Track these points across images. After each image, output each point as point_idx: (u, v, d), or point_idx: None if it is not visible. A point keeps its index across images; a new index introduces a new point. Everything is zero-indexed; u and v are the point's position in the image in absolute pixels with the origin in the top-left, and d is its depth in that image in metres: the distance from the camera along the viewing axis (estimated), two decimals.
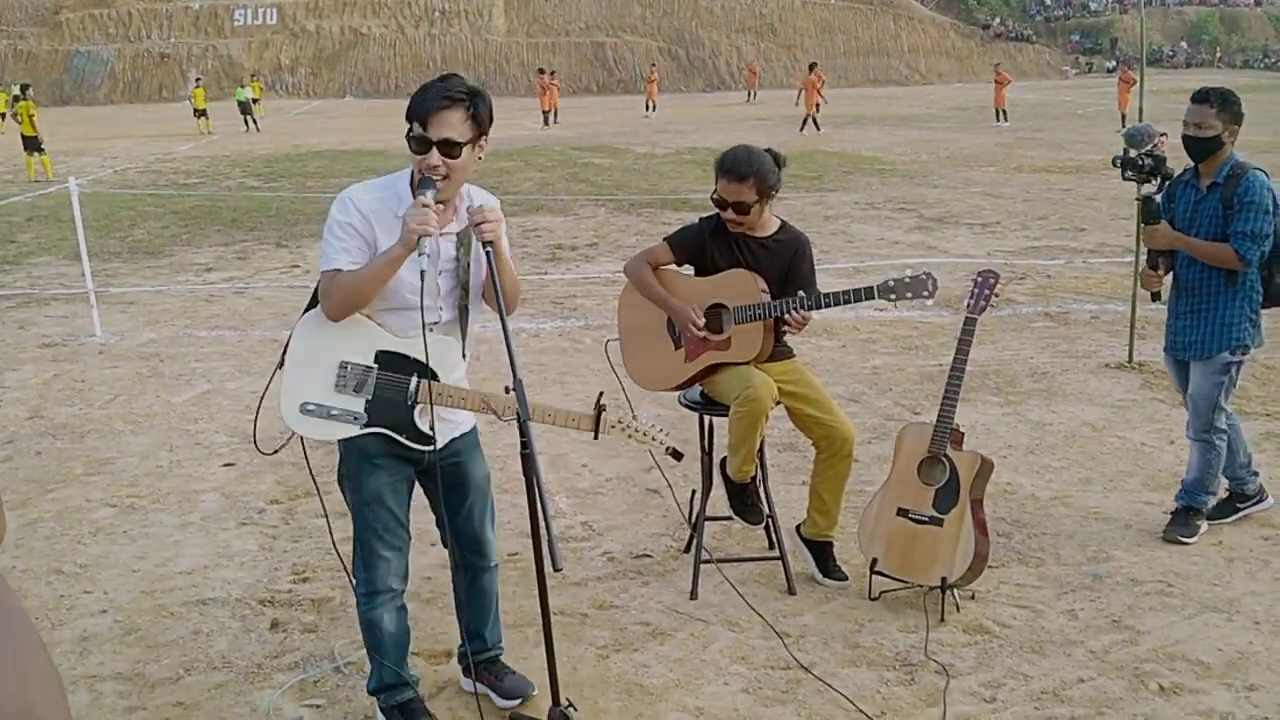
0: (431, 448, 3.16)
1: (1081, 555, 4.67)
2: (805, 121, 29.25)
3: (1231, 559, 4.59)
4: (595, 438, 3.19)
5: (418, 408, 3.14)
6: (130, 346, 8.57)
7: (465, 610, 3.64)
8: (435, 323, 3.17)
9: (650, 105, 39.46)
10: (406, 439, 3.16)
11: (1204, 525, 4.82)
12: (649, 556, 4.80)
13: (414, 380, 3.12)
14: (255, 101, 37.72)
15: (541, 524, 2.81)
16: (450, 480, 3.37)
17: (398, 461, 3.25)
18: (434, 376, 3.13)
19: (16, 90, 26.92)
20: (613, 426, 3.14)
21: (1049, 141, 24.21)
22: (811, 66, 31.59)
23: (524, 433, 2.80)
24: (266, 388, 3.35)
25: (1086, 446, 5.96)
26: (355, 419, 3.15)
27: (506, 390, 2.99)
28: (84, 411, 6.96)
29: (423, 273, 2.92)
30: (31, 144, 21.57)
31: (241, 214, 16.04)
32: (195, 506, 5.43)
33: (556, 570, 2.69)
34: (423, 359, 3.10)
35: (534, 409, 3.09)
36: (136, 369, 7.91)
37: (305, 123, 39.20)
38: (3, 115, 37.03)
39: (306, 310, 3.23)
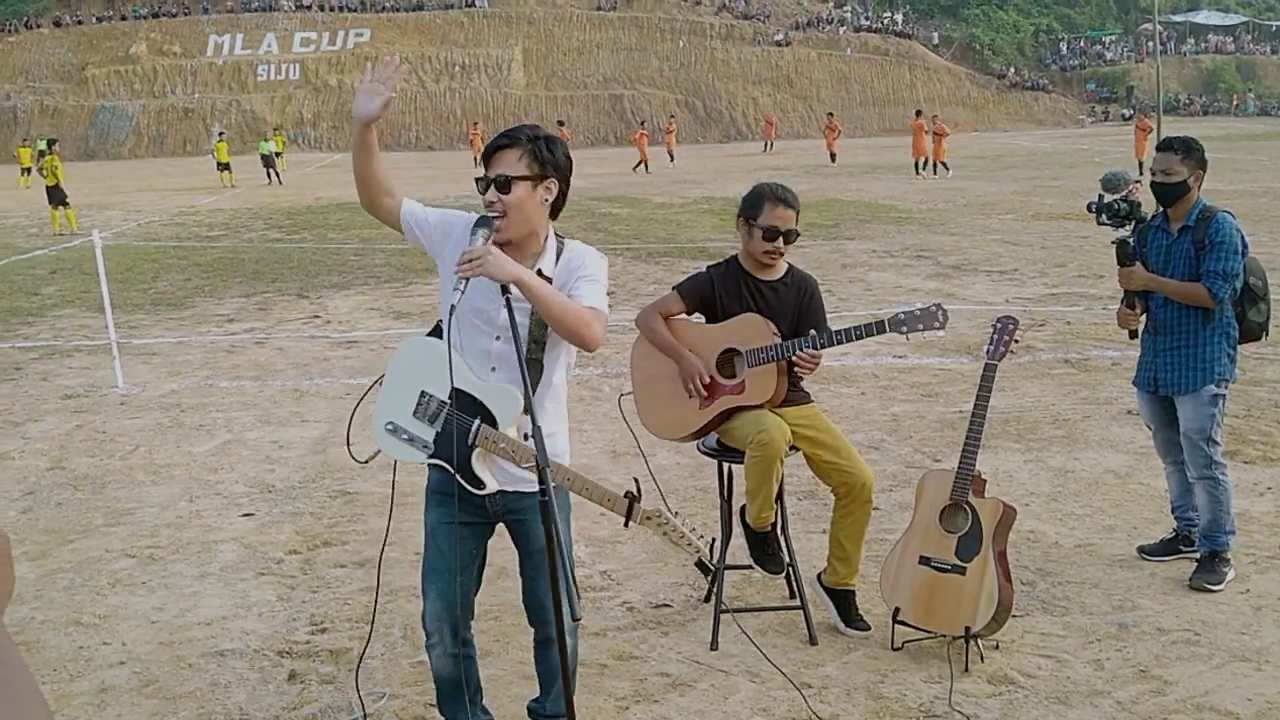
0: (484, 492, 3.18)
1: (1107, 604, 4.61)
2: (926, 164, 30.05)
3: (1260, 607, 4.52)
4: (625, 525, 3.11)
5: (476, 450, 3.15)
6: (152, 397, 8.62)
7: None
8: (494, 369, 3.18)
9: (669, 156, 39.80)
10: (462, 478, 3.17)
11: (1231, 571, 4.76)
12: (669, 606, 4.76)
13: (477, 423, 3.13)
14: (278, 155, 38.22)
15: (560, 573, 2.79)
16: (515, 539, 3.38)
17: (463, 505, 3.25)
18: (493, 421, 3.12)
19: (43, 145, 27.40)
20: (648, 518, 3.06)
21: (1066, 189, 24.22)
22: (918, 113, 32.70)
23: (542, 480, 2.78)
24: (360, 399, 3.46)
25: (1110, 494, 5.90)
26: (424, 447, 3.20)
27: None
28: (105, 462, 6.99)
29: (452, 307, 2.96)
30: (56, 197, 21.86)
31: (263, 266, 16.18)
32: (214, 557, 5.43)
33: (575, 620, 2.66)
34: (489, 408, 3.11)
35: (572, 480, 3.11)
36: (158, 420, 7.95)
37: (327, 176, 39.60)
38: (28, 170, 37.58)
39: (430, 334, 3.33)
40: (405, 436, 3.22)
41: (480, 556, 3.43)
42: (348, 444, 3.37)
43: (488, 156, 3.14)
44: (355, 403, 3.51)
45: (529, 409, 2.88)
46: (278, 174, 36.23)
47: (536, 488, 3.19)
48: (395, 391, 3.27)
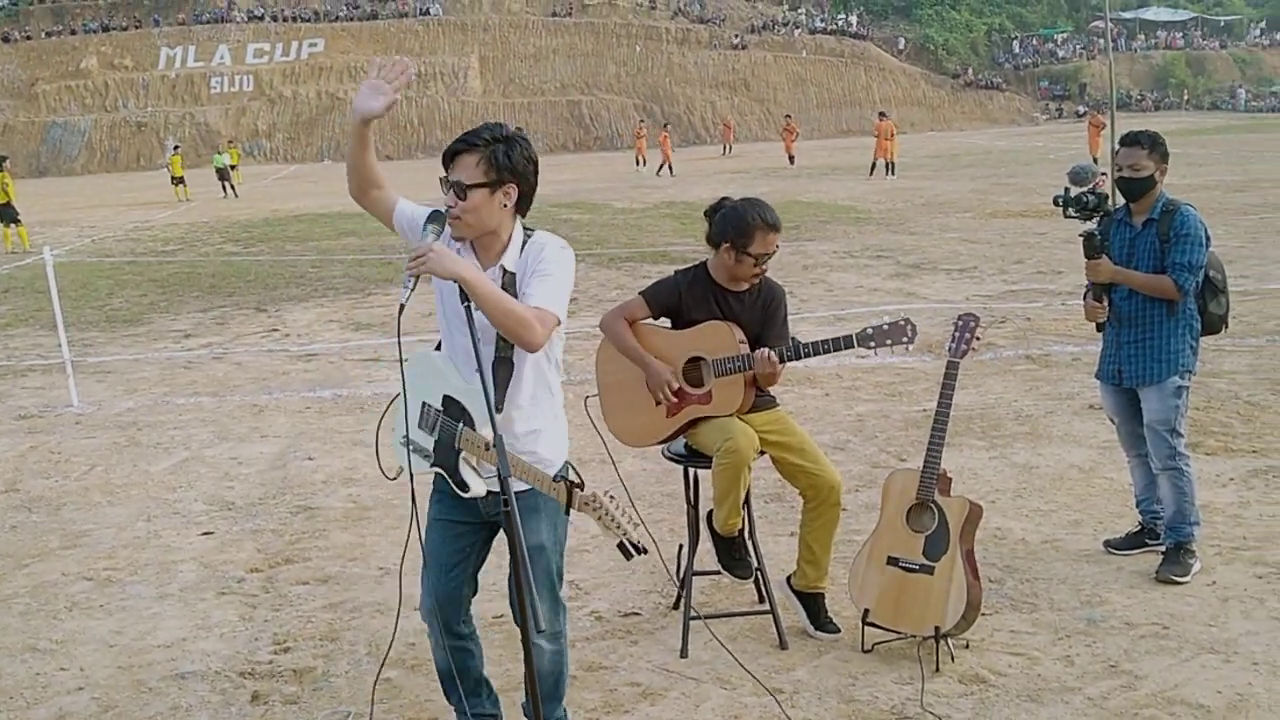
0: (469, 495, 3.18)
1: (1075, 599, 4.62)
2: (875, 166, 30.21)
3: (1226, 599, 4.54)
4: (566, 513, 3.14)
5: (461, 453, 3.16)
6: (108, 416, 8.48)
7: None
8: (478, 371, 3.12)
9: (641, 160, 39.53)
10: (452, 482, 3.20)
11: (1196, 563, 4.78)
12: (637, 614, 4.72)
13: (460, 426, 3.14)
14: (233, 168, 37.79)
15: (525, 584, 2.75)
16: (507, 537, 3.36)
17: (457, 503, 3.27)
18: (469, 421, 3.12)
19: None
20: (585, 504, 3.05)
21: (1023, 187, 24.44)
22: (882, 115, 32.40)
23: (504, 489, 2.74)
24: (381, 417, 3.45)
25: (1075, 488, 5.92)
26: (427, 456, 3.24)
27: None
28: (60, 483, 6.85)
29: (401, 306, 2.94)
30: (8, 215, 21.53)
31: (220, 280, 16.00)
32: (173, 577, 5.33)
33: (540, 631, 2.62)
34: (464, 405, 3.12)
35: (518, 467, 3.06)
36: (114, 438, 7.81)
37: (284, 187, 39.30)
38: None
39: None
40: (414, 448, 3.27)
41: (475, 555, 3.42)
42: (378, 462, 3.40)
43: (448, 159, 3.13)
44: (379, 418, 3.51)
45: (489, 406, 2.85)
46: (233, 187, 35.90)
47: (526, 489, 3.22)
48: (405, 406, 3.31)
